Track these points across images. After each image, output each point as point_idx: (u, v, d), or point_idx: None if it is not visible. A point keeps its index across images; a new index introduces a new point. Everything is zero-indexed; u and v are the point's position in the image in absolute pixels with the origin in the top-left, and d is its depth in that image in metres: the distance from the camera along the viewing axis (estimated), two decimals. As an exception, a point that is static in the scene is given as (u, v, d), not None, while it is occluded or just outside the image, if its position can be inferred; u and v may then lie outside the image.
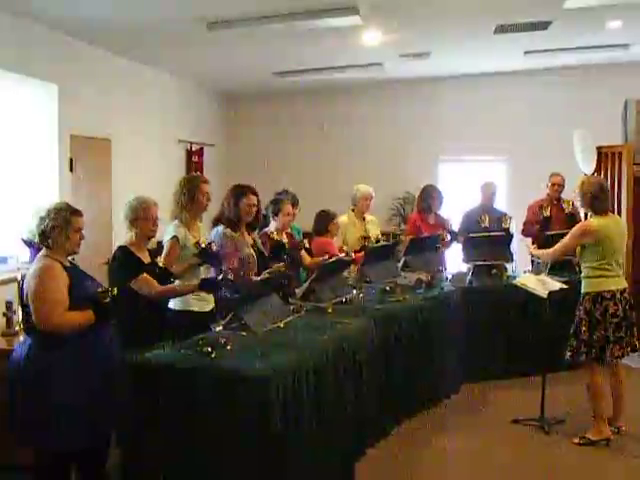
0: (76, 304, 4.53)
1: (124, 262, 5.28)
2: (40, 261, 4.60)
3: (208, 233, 6.32)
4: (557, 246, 6.50)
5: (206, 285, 5.48)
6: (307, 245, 7.23)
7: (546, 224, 8.42)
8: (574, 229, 6.36)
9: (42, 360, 4.49)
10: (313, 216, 7.84)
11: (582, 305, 6.23)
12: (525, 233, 9.01)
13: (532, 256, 7.77)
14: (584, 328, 6.15)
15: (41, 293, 4.48)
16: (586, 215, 7.69)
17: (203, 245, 5.78)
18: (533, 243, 8.49)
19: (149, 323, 5.28)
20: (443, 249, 8.40)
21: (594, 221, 6.24)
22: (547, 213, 8.55)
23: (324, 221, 7.67)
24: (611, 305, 6.11)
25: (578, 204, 6.67)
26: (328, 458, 5.12)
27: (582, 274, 6.34)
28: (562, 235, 7.79)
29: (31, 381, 4.49)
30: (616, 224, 6.43)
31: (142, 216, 5.32)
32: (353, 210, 8.36)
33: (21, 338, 4.80)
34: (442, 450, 6.22)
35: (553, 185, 8.95)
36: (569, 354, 6.29)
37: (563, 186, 8.92)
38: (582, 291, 6.28)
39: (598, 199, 6.27)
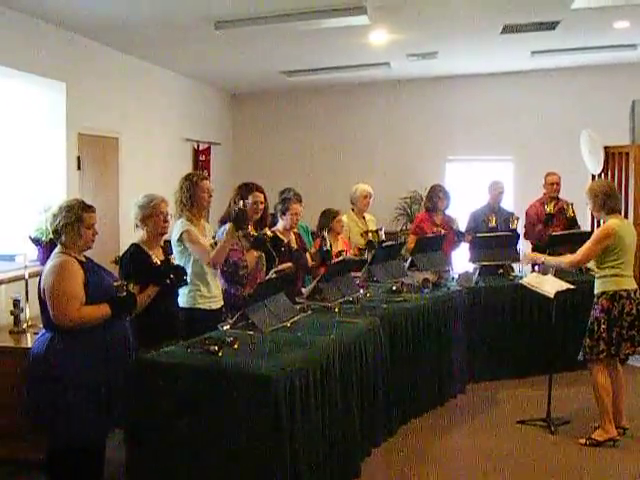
0: (93, 299, 4.58)
1: (134, 260, 5.28)
2: (56, 258, 4.64)
3: (215, 232, 6.34)
4: (580, 255, 6.33)
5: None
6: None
7: (549, 221, 8.43)
8: (596, 234, 6.26)
9: (61, 354, 4.54)
10: (319, 215, 7.84)
11: (598, 304, 6.21)
12: (528, 236, 9.01)
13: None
14: (603, 326, 6.14)
15: (57, 289, 4.52)
16: (598, 221, 7.60)
17: (211, 242, 5.87)
18: (535, 245, 8.51)
19: (162, 320, 5.28)
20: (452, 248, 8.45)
21: (612, 222, 6.21)
22: (550, 209, 8.56)
23: (327, 219, 7.66)
24: (627, 304, 6.11)
25: (589, 208, 6.59)
26: (334, 457, 5.13)
27: (597, 274, 6.32)
28: (567, 236, 7.82)
29: (50, 374, 4.54)
30: (628, 224, 6.48)
31: (152, 213, 5.31)
32: (353, 210, 8.36)
33: (37, 333, 4.82)
34: (447, 450, 6.22)
35: (551, 184, 8.97)
36: (582, 354, 6.27)
37: (559, 185, 8.93)
38: (597, 291, 6.25)
39: (610, 199, 6.27)
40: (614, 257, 6.17)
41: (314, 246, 7.18)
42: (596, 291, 6.29)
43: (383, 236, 7.90)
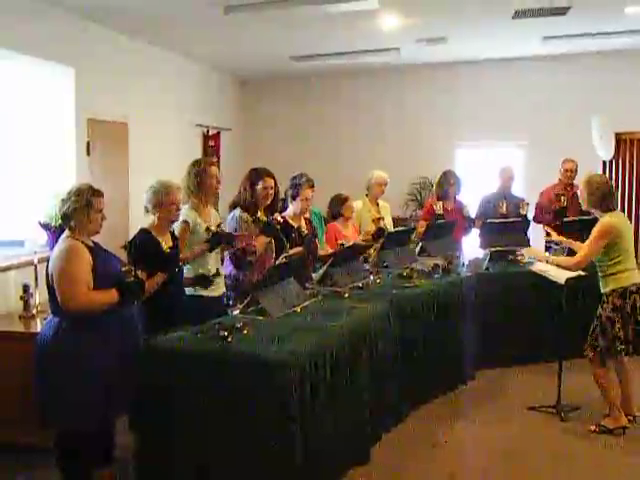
0: (100, 284, 4.58)
1: (142, 246, 5.26)
2: (64, 242, 4.64)
3: (223, 218, 6.33)
4: (582, 254, 6.26)
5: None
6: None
7: (562, 214, 8.37)
8: (594, 233, 6.18)
9: (68, 340, 4.55)
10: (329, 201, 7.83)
11: (607, 303, 6.13)
12: (537, 220, 8.97)
13: (548, 242, 7.70)
14: (618, 325, 6.07)
15: (65, 274, 4.52)
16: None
17: (215, 230, 5.83)
18: (546, 230, 8.48)
19: (169, 306, 5.27)
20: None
21: (609, 219, 6.16)
22: (564, 203, 8.51)
23: (337, 205, 7.64)
24: (638, 298, 6.08)
25: (585, 203, 6.51)
26: (345, 442, 5.13)
27: (601, 273, 6.25)
28: (579, 222, 7.78)
29: (58, 360, 4.55)
30: (623, 217, 6.45)
31: (165, 200, 5.30)
32: (367, 195, 8.34)
33: (47, 318, 4.83)
34: (457, 436, 6.22)
35: (566, 171, 8.92)
36: (593, 354, 6.20)
37: (576, 172, 8.89)
38: (606, 289, 6.17)
39: (608, 197, 6.23)
40: (617, 253, 6.11)
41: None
42: (604, 290, 6.20)
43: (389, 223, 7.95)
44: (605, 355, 6.16)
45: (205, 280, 5.78)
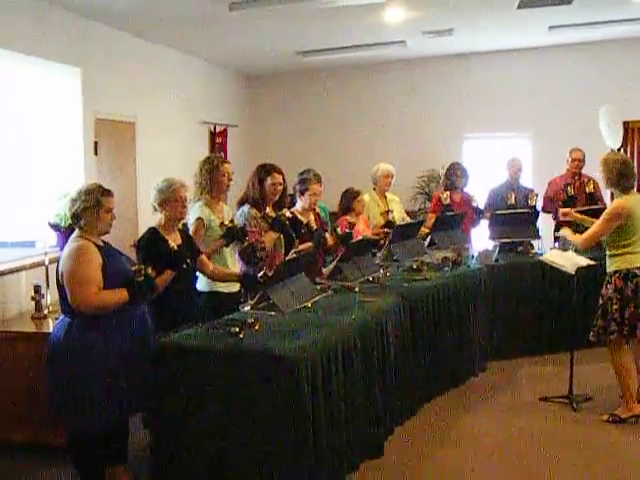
0: (110, 283, 4.59)
1: (150, 244, 5.28)
2: (74, 242, 4.65)
3: (234, 214, 6.35)
4: (590, 233, 6.27)
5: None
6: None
7: (571, 203, 8.35)
8: (606, 213, 6.18)
9: (80, 338, 4.56)
10: (338, 195, 7.82)
11: (610, 284, 6.15)
12: (546, 209, 8.96)
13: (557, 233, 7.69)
14: (615, 306, 6.08)
15: (75, 274, 4.53)
16: (612, 195, 7.51)
17: (229, 225, 5.86)
18: (555, 219, 8.47)
19: (179, 304, 5.29)
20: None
21: (623, 201, 6.12)
22: (572, 192, 8.49)
23: (348, 199, 7.64)
24: None
25: (602, 184, 6.50)
26: (357, 436, 5.14)
27: (608, 252, 6.25)
28: (585, 212, 7.76)
29: (69, 359, 4.57)
30: None
31: (170, 198, 5.30)
32: (374, 189, 8.33)
33: (58, 318, 4.86)
34: (470, 428, 6.22)
35: (574, 160, 8.90)
36: (593, 335, 6.22)
37: (583, 161, 8.87)
38: (609, 270, 6.20)
39: (625, 176, 6.18)
40: (626, 235, 6.09)
41: (340, 230, 7.09)
42: (608, 269, 6.22)
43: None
44: (600, 335, 6.16)
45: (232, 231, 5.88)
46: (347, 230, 6.97)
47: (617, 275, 6.11)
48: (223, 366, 4.51)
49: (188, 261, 5.22)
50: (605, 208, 6.37)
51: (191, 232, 5.76)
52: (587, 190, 8.51)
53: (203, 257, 5.64)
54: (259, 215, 6.28)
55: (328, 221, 7.72)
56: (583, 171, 8.90)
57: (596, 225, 6.22)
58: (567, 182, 8.70)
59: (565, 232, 6.73)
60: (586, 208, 8.05)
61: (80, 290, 4.50)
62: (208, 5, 8.47)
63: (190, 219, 5.90)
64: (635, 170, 6.39)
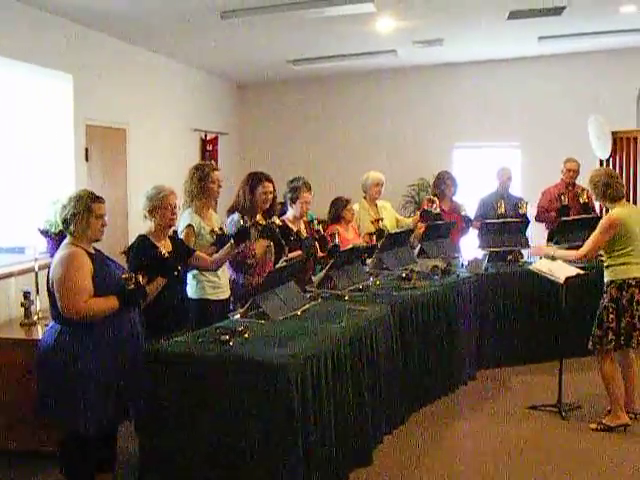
0: (101, 290, 4.59)
1: (141, 251, 5.28)
2: (64, 249, 4.66)
3: (223, 222, 6.35)
4: (587, 247, 6.30)
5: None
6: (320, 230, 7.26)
7: (564, 213, 8.38)
8: (601, 224, 6.23)
9: (70, 346, 4.57)
10: (327, 204, 7.83)
11: (607, 294, 6.18)
12: (539, 219, 9.00)
13: (549, 241, 7.72)
14: (612, 316, 6.11)
15: (65, 280, 4.54)
16: (602, 206, 7.56)
17: (219, 232, 5.87)
18: (548, 230, 8.49)
19: (170, 311, 5.29)
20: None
21: (616, 211, 6.19)
22: (566, 202, 8.52)
23: (338, 208, 7.65)
24: (637, 292, 6.09)
25: (594, 198, 6.59)
26: (346, 444, 5.15)
27: (605, 263, 6.29)
28: (578, 221, 7.82)
29: (59, 366, 4.57)
30: (635, 212, 6.46)
31: (160, 205, 5.30)
32: (365, 197, 8.34)
33: (47, 325, 4.86)
34: (459, 436, 6.24)
35: (569, 171, 8.92)
36: (592, 344, 6.25)
37: (578, 172, 8.90)
38: (606, 279, 6.23)
39: (611, 187, 6.24)
40: (622, 245, 6.13)
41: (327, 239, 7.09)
42: (605, 279, 6.26)
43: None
44: (597, 344, 6.19)
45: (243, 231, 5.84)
46: (332, 243, 6.93)
47: (613, 285, 6.15)
48: (213, 373, 4.51)
49: (179, 268, 5.22)
50: (598, 218, 6.41)
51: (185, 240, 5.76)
52: (581, 200, 8.53)
53: (198, 253, 5.65)
54: (249, 224, 6.29)
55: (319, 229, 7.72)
56: (576, 182, 8.93)
57: (592, 239, 6.26)
58: (561, 192, 8.73)
59: (560, 251, 6.76)
60: (578, 217, 8.11)
61: (70, 297, 4.50)
62: (200, 13, 8.50)
63: (180, 226, 5.90)
64: (622, 180, 6.45)
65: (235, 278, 6.28)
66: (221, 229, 6.02)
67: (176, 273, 5.18)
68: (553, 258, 6.88)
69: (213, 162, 10.09)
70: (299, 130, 13.99)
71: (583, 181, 8.28)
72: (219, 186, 6.18)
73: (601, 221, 6.32)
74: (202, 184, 6.04)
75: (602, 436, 6.09)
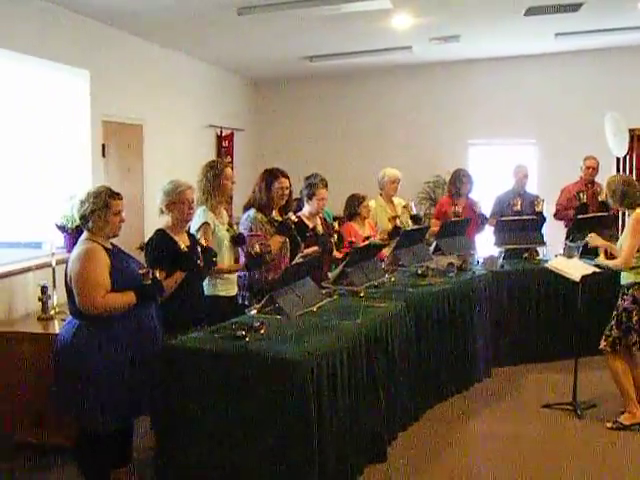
0: (118, 286, 4.61)
1: (160, 245, 5.30)
2: (82, 244, 4.68)
3: (238, 218, 6.37)
4: (624, 255, 6.18)
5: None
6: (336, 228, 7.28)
7: (583, 211, 8.35)
8: (630, 227, 6.19)
9: (88, 341, 4.59)
10: (343, 200, 7.83)
11: (628, 295, 6.16)
12: (558, 216, 8.97)
13: (567, 239, 7.67)
14: (635, 318, 6.10)
15: (83, 276, 4.56)
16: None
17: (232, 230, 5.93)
18: (567, 228, 8.45)
19: (188, 306, 5.30)
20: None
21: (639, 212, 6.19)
22: (585, 199, 8.49)
23: (353, 204, 7.65)
24: None
25: (611, 203, 6.55)
26: (361, 440, 5.16)
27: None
28: (595, 218, 7.78)
29: (77, 361, 4.60)
30: None
31: (177, 200, 5.32)
32: (381, 194, 8.34)
33: (65, 320, 4.89)
34: (473, 434, 6.24)
35: (588, 168, 8.88)
36: (606, 344, 6.21)
37: (597, 169, 8.86)
38: (626, 281, 6.20)
39: (628, 195, 6.24)
40: None
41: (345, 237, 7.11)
42: (624, 282, 6.23)
43: (414, 210, 7.96)
44: (617, 345, 6.16)
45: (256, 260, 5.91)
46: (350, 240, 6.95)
47: (636, 287, 6.12)
48: (229, 369, 4.52)
49: (199, 262, 5.24)
50: (615, 217, 6.38)
51: (199, 237, 5.75)
52: (599, 198, 8.49)
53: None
54: (265, 219, 6.30)
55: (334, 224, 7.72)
56: (596, 179, 8.89)
57: (627, 245, 6.18)
58: (580, 190, 8.70)
59: (601, 259, 6.69)
60: (593, 215, 8.07)
61: (88, 293, 4.52)
62: (216, 9, 8.50)
63: (194, 224, 5.88)
64: (638, 184, 6.43)
65: (251, 274, 6.28)
66: (231, 226, 6.06)
67: (195, 267, 5.20)
68: (570, 256, 6.86)
69: (223, 159, 10.10)
70: (315, 126, 13.96)
71: (602, 179, 8.27)
72: (232, 182, 6.19)
73: (629, 225, 6.26)
74: (216, 181, 6.03)
75: (618, 435, 6.08)
